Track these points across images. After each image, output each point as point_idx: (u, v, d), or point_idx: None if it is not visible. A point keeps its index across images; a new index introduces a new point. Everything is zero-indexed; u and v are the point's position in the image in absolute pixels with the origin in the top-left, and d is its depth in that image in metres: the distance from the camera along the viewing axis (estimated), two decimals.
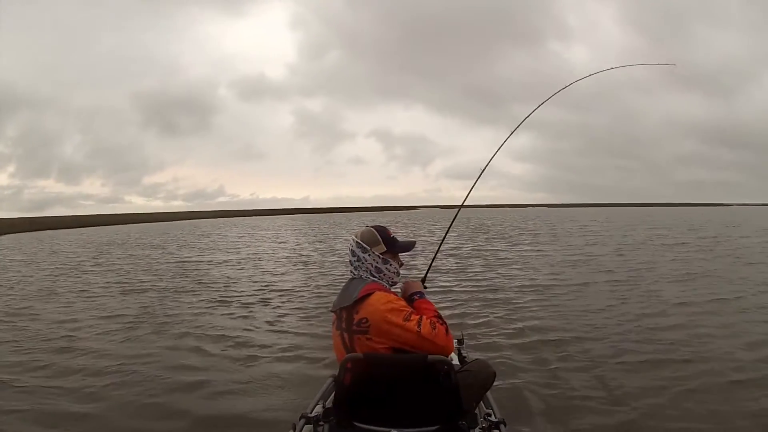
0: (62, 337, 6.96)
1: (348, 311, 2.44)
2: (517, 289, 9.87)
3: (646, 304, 8.36)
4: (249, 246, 24.91)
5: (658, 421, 4.00)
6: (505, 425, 2.45)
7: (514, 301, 8.71)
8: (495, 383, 2.68)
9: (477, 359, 2.94)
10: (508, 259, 15.85)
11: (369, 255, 2.58)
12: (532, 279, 11.30)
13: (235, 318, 8.01)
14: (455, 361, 3.28)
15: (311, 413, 2.51)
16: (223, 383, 5.04)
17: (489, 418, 2.51)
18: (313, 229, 42.51)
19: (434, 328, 2.35)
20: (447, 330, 2.41)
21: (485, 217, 64.38)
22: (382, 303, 2.37)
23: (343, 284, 2.65)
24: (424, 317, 2.40)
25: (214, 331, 7.10)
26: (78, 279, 13.26)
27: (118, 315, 8.33)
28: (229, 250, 22.07)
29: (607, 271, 12.32)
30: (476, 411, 2.62)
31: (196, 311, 8.58)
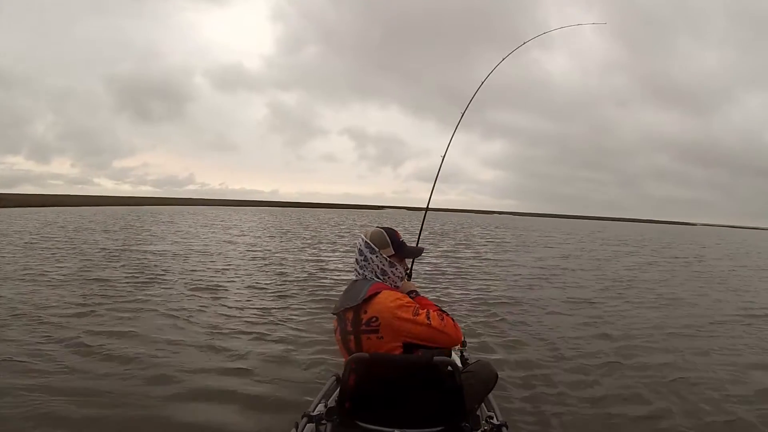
0: None
1: (355, 311, 2.42)
2: (489, 299, 9.52)
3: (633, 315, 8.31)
4: (211, 238, 24.12)
5: None
6: (507, 428, 2.42)
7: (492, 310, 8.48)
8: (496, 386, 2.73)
9: (479, 360, 2.91)
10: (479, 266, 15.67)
11: (377, 257, 2.57)
12: (502, 290, 11.00)
13: (211, 311, 7.64)
14: (458, 362, 3.22)
15: (314, 412, 2.47)
16: (216, 381, 4.83)
17: (491, 420, 2.48)
18: (277, 227, 41.81)
19: (443, 319, 2.38)
20: (454, 320, 2.45)
21: (452, 222, 64.51)
22: (390, 300, 2.37)
23: (347, 286, 2.62)
24: (431, 310, 2.41)
25: (192, 325, 6.75)
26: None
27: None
28: (192, 242, 21.30)
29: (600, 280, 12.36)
30: (478, 413, 2.60)
31: (167, 302, 8.10)
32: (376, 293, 2.40)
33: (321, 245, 21.37)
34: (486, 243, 27.11)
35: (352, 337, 2.42)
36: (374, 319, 2.36)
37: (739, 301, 10.93)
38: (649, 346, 6.55)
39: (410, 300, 2.44)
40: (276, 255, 16.66)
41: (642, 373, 5.48)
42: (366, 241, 2.59)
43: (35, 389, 4.42)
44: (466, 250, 21.51)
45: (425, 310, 2.39)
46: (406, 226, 39.53)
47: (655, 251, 27.02)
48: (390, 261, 2.59)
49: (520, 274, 14.05)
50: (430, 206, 4.46)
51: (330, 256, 16.80)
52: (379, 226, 2.71)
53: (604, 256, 21.65)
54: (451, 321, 2.42)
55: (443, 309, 2.51)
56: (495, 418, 2.52)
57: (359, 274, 2.60)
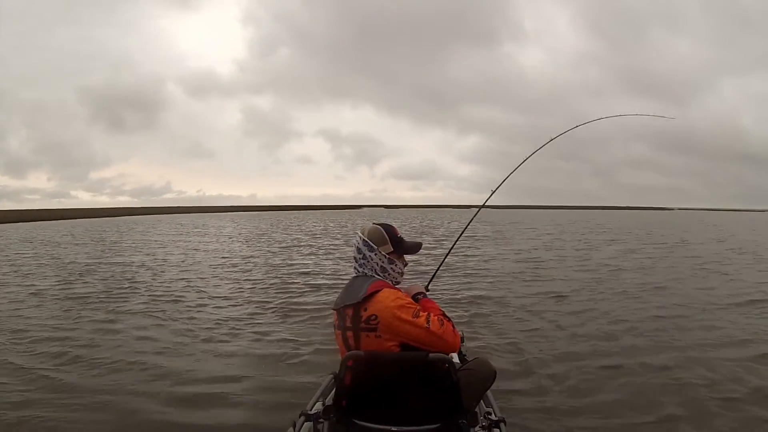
0: None
1: (354, 309, 2.38)
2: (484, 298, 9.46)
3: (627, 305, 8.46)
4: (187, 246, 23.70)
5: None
6: (505, 424, 2.43)
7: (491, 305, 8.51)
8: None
9: (477, 358, 2.85)
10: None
11: (375, 254, 2.53)
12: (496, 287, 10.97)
13: (193, 319, 7.60)
14: (455, 359, 3.20)
15: (311, 411, 2.48)
16: (214, 380, 4.92)
17: (489, 416, 2.49)
18: (255, 232, 41.56)
19: (442, 325, 2.34)
20: (453, 327, 2.40)
21: (432, 218, 64.66)
22: (391, 300, 2.33)
23: (347, 282, 2.58)
24: (432, 314, 2.37)
25: (174, 334, 6.73)
26: None
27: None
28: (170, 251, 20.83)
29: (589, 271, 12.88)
30: (476, 410, 2.57)
31: (146, 313, 8.04)
32: (377, 291, 2.36)
33: (299, 248, 21.15)
34: (466, 238, 27.11)
35: (351, 333, 2.39)
36: (373, 317, 2.32)
37: (727, 286, 10.92)
38: (640, 339, 6.44)
39: (411, 301, 2.40)
40: (253, 260, 16.44)
41: (636, 366, 5.41)
42: (364, 239, 2.55)
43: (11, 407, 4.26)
44: (445, 246, 21.44)
45: (426, 313, 2.35)
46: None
47: (635, 237, 27.45)
48: (389, 258, 2.55)
49: (504, 268, 14.04)
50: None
51: (307, 260, 16.57)
52: (375, 222, 2.65)
53: (587, 246, 21.85)
54: (450, 327, 2.37)
55: (446, 314, 2.46)
56: (493, 414, 2.52)
57: (359, 272, 2.56)
